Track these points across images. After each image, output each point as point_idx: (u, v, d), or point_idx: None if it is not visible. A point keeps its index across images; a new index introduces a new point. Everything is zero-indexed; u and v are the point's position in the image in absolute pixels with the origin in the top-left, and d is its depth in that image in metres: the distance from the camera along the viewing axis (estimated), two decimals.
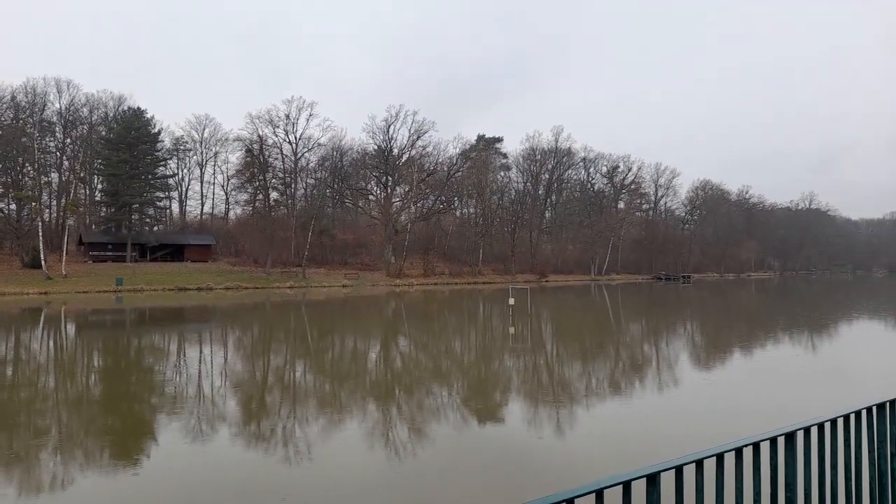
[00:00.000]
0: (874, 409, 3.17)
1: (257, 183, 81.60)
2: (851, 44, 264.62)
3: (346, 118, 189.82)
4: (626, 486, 2.04)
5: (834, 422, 2.95)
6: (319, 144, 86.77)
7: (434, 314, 41.72)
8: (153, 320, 37.33)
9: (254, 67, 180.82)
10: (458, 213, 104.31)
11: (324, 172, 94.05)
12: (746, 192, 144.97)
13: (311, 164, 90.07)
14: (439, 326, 33.40)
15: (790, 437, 2.72)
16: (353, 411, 13.35)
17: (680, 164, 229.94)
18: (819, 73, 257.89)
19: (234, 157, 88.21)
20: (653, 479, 2.12)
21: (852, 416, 3.04)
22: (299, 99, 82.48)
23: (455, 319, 38.06)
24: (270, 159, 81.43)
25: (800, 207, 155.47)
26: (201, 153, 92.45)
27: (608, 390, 15.56)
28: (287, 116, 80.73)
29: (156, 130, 78.56)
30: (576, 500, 1.92)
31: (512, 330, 29.65)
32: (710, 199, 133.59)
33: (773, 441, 2.63)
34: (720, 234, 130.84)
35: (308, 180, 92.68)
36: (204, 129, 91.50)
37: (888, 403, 3.24)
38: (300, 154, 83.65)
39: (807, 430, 2.79)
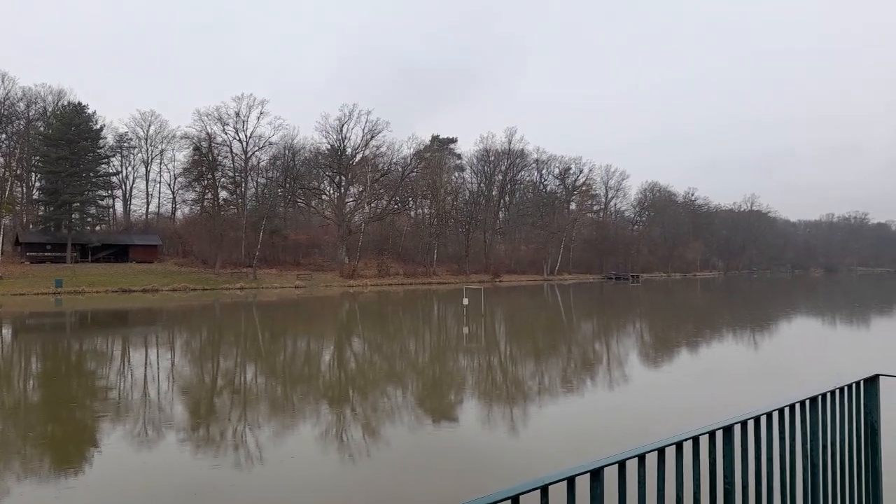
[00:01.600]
0: (807, 402, 3.29)
1: (206, 182, 79.51)
2: (791, 50, 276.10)
3: (299, 117, 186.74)
4: (571, 481, 2.05)
5: (770, 415, 3.03)
6: (271, 143, 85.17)
7: (389, 315, 41.53)
8: (95, 323, 35.94)
9: (203, 64, 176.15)
10: (412, 214, 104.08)
11: (275, 171, 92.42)
12: (692, 195, 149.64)
13: (263, 163, 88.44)
14: (394, 327, 33.27)
15: (728, 431, 2.78)
16: (306, 414, 13.16)
17: (629, 166, 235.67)
18: (761, 79, 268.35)
19: (182, 155, 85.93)
20: (596, 474, 2.14)
21: (787, 410, 3.13)
22: (250, 97, 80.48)
23: (410, 320, 37.97)
24: (220, 157, 79.50)
25: (742, 209, 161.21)
26: (147, 150, 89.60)
27: (561, 388, 15.79)
28: (237, 114, 78.89)
29: (98, 126, 75.67)
30: (521, 497, 1.92)
31: (466, 330, 29.77)
32: (657, 201, 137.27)
33: (712, 435, 2.69)
34: (667, 234, 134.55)
35: (259, 179, 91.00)
36: (149, 125, 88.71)
37: (820, 397, 3.37)
38: (251, 152, 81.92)
39: (744, 424, 2.86)
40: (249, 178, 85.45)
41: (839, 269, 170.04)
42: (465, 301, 37.49)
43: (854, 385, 3.64)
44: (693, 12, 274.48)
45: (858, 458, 3.66)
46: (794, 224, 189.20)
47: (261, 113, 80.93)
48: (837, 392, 3.50)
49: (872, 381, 3.79)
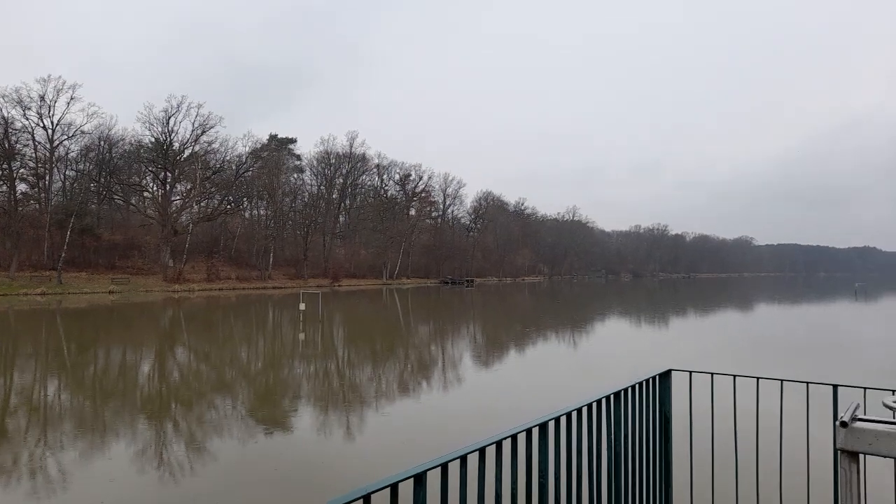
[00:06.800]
0: (611, 397, 3.63)
1: (0, 173, 69.39)
2: (602, 72, 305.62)
3: (118, 106, 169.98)
4: (394, 488, 2.02)
5: (580, 410, 3.29)
6: (83, 132, 76.54)
7: (218, 321, 39.18)
8: None
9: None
10: (246, 215, 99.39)
11: (88, 164, 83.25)
12: (522, 204, 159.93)
13: (73, 154, 79.24)
14: (223, 334, 31.44)
15: (543, 427, 2.97)
16: (119, 432, 11.97)
17: (465, 175, 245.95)
18: (573, 100, 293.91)
19: None
20: (420, 479, 2.13)
21: (594, 405, 3.42)
22: (58, 79, 71.73)
23: (241, 326, 36.11)
24: (18, 146, 69.84)
25: (565, 219, 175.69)
26: None
27: (397, 391, 15.96)
28: (42, 97, 69.92)
29: None
30: None
31: (302, 336, 29.00)
32: (491, 209, 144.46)
33: (529, 432, 2.86)
34: (499, 241, 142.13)
35: (67, 172, 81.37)
36: None
37: (622, 392, 3.74)
38: (58, 141, 73.00)
39: (557, 420, 3.08)
40: (55, 171, 76.08)
41: (644, 275, 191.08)
42: (302, 306, 36.55)
43: (651, 379, 4.10)
44: (527, 30, 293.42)
45: (653, 445, 4.12)
46: (609, 234, 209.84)
47: (71, 98, 72.55)
48: (637, 386, 3.91)
49: (666, 376, 4.29)
